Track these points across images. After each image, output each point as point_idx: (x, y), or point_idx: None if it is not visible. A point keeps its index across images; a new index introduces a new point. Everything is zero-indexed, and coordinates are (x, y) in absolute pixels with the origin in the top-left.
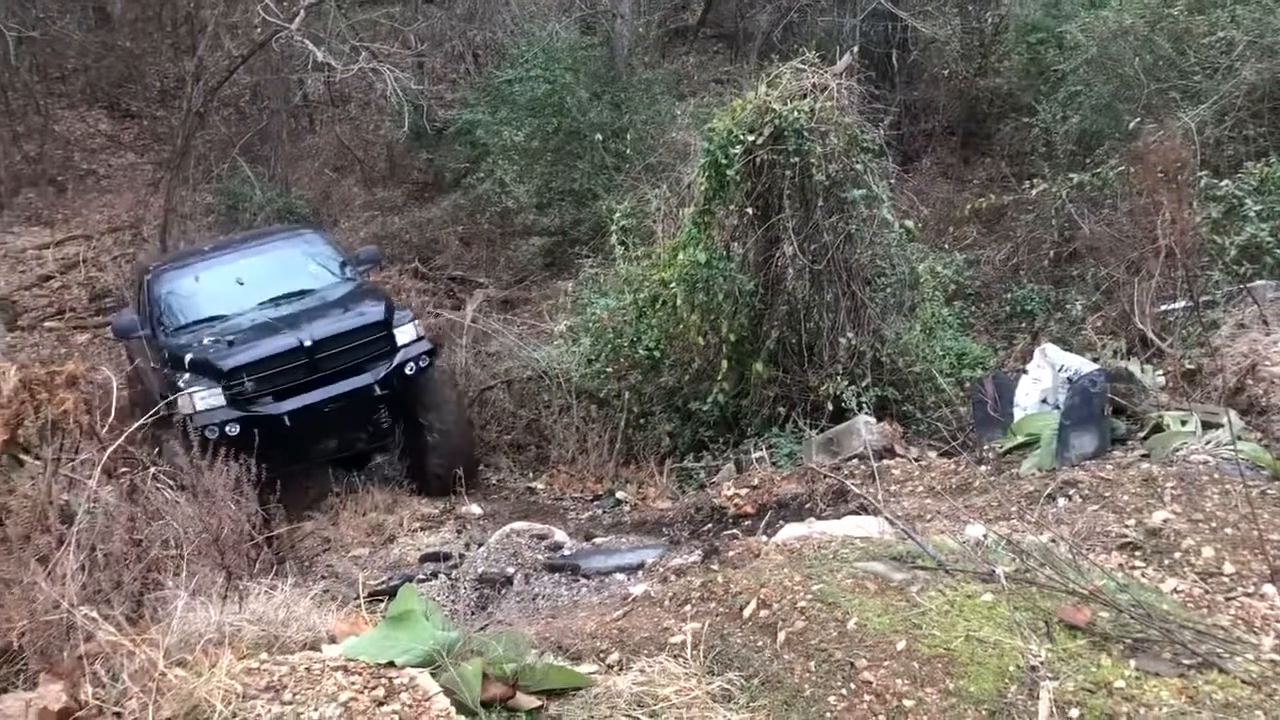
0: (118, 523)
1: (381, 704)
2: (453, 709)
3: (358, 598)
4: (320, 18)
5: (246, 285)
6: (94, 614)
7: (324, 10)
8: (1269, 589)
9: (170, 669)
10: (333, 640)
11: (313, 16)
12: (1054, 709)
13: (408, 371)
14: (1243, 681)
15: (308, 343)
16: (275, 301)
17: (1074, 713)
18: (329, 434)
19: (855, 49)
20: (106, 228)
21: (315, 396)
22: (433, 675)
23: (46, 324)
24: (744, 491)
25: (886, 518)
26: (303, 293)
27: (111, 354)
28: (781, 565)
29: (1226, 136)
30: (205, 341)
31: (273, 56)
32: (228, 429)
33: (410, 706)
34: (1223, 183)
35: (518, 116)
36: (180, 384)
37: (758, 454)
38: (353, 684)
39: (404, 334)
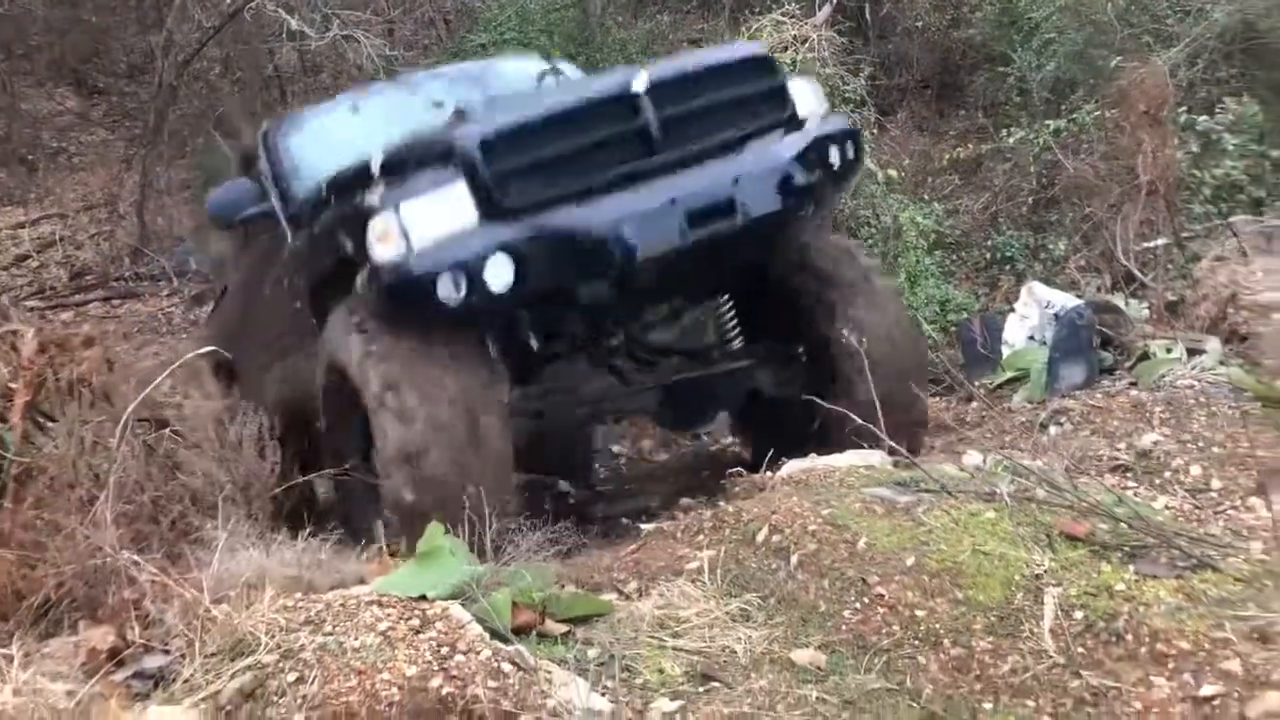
0: (147, 477)
1: (418, 632)
2: (486, 635)
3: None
4: None
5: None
6: (135, 558)
7: None
8: (1255, 501)
9: (214, 606)
10: (362, 582)
11: None
12: (1059, 612)
13: (831, 159)
14: (1235, 579)
15: (639, 87)
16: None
17: (1078, 614)
18: (670, 308)
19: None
20: (81, 205)
21: (675, 192)
22: (463, 606)
23: (27, 303)
24: (740, 438)
25: (890, 446)
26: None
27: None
28: (790, 494)
29: (1200, 79)
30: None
31: (244, 27)
32: (489, 273)
33: (445, 634)
34: (1200, 118)
35: None
36: (371, 200)
37: None
38: (388, 615)
39: (804, 95)
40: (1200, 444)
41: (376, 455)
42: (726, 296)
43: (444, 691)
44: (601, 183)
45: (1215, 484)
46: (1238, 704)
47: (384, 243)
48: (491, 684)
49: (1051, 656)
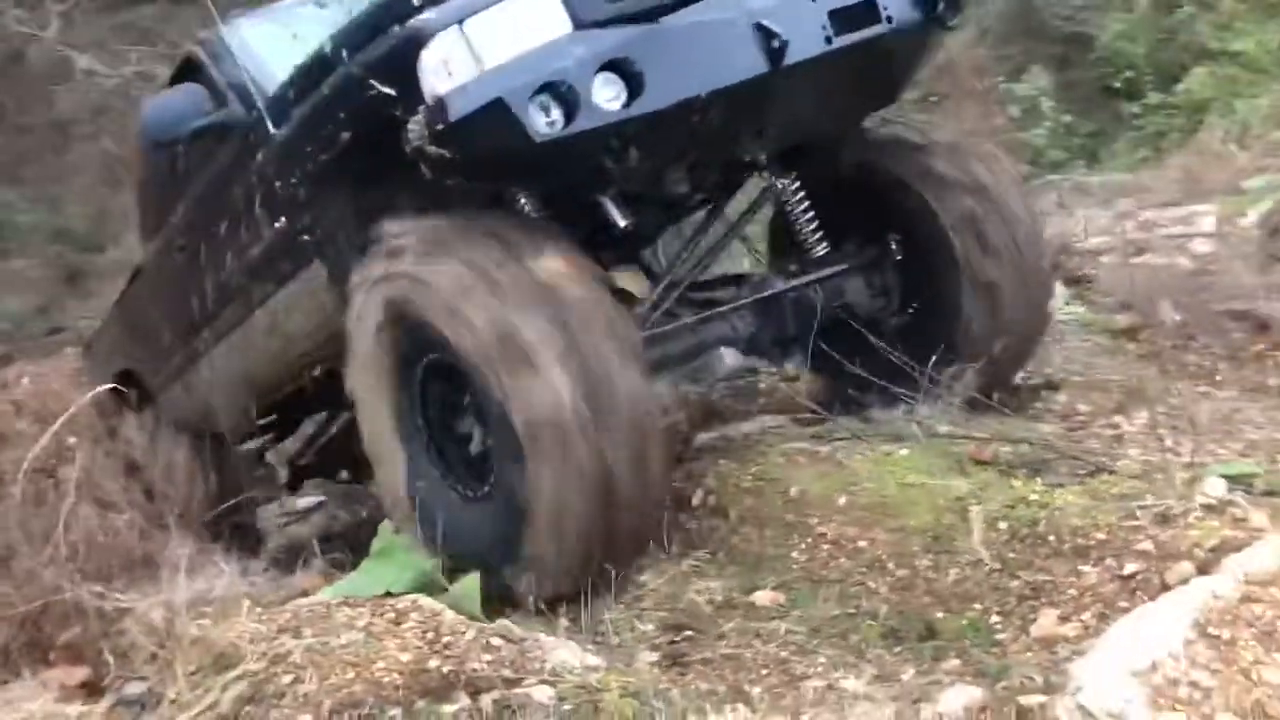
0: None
1: (398, 624)
2: (464, 619)
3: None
4: (71, 26)
5: None
6: (98, 588)
7: (73, 18)
8: (1118, 418)
9: (189, 624)
10: (305, 594)
11: (66, 23)
12: (985, 525)
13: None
14: (1130, 477)
15: None
16: None
17: (1002, 525)
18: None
19: None
20: None
21: None
22: (431, 597)
23: None
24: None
25: (803, 403)
26: None
27: None
28: (715, 458)
29: (990, 58)
30: None
31: (29, 68)
32: (597, 89)
33: (425, 622)
34: (1019, 86)
35: None
36: (419, 24)
37: None
38: (361, 614)
39: None
40: (1060, 375)
41: (487, 445)
42: (796, 180)
43: (444, 670)
44: None
45: (1082, 408)
46: (1157, 576)
47: (444, 71)
48: (487, 657)
49: (987, 564)
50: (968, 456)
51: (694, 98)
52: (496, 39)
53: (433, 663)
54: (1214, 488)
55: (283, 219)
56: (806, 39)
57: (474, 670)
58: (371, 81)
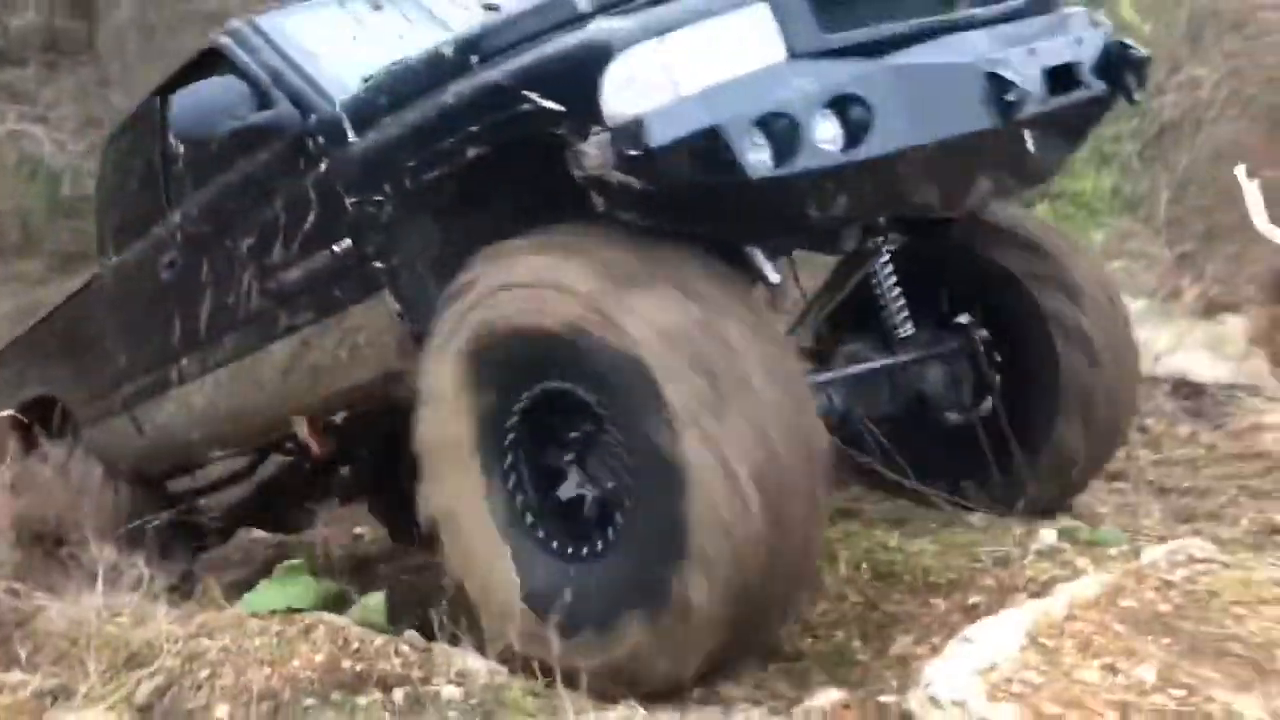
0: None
1: (308, 633)
2: (371, 631)
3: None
4: None
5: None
6: (15, 585)
7: None
8: None
9: (104, 624)
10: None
11: None
12: (850, 567)
13: (1134, 60)
14: (977, 529)
15: None
16: None
17: (864, 566)
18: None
19: None
20: None
21: (1018, 43)
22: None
23: None
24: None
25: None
26: None
27: None
28: None
29: None
30: None
31: None
32: (819, 128)
33: (334, 632)
34: None
35: None
36: (598, 35)
37: None
38: (271, 624)
39: None
40: None
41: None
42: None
43: (357, 668)
44: (907, 32)
45: None
46: (998, 605)
47: (634, 91)
48: (397, 660)
49: (851, 599)
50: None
51: (919, 146)
52: (700, 61)
53: (345, 663)
54: (1046, 538)
55: (348, 241)
56: (1031, 96)
57: (385, 670)
58: (527, 94)
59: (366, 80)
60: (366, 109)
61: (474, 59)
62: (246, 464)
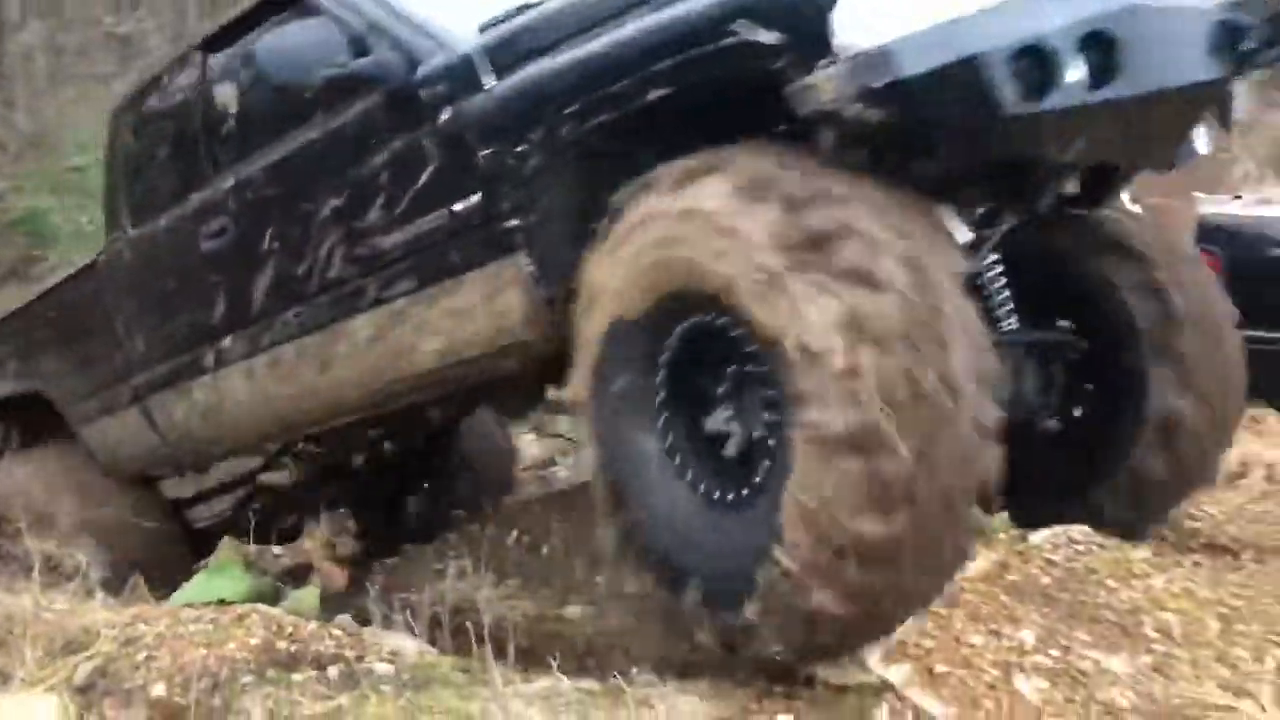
0: None
1: (242, 620)
2: (303, 619)
3: None
4: None
5: None
6: None
7: None
8: None
9: (41, 613)
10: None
11: None
12: None
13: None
14: None
15: None
16: None
17: None
18: None
19: None
20: None
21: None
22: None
23: None
24: None
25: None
26: None
27: None
28: (536, 505)
29: None
30: None
31: None
32: (1071, 65)
33: (267, 620)
34: None
35: (92, 203)
36: None
37: None
38: (205, 613)
39: None
40: None
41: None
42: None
43: (292, 649)
44: None
45: None
46: None
47: (868, 21)
48: (330, 642)
49: None
50: None
51: (1161, 90)
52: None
53: (280, 645)
54: None
55: (476, 197)
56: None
57: (319, 650)
58: (737, 25)
59: (487, 26)
60: (508, 50)
61: None
62: (259, 465)
